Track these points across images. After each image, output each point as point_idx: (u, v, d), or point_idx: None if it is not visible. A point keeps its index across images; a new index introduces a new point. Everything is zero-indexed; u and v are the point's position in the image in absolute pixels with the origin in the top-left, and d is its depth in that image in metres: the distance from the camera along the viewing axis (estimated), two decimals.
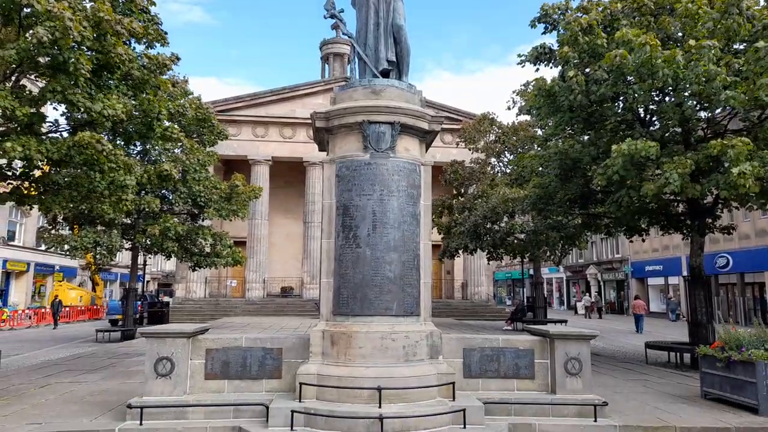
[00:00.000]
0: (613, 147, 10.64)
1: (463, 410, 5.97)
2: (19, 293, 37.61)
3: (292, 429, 5.82)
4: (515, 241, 23.67)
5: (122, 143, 13.56)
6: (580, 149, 12.67)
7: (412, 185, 6.84)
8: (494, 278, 49.52)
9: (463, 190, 26.47)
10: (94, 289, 43.11)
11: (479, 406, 6.18)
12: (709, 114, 12.71)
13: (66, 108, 11.53)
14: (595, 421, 6.44)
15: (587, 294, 46.11)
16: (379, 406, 5.87)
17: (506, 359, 7.00)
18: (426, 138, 7.19)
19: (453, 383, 6.35)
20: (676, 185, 10.01)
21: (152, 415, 6.20)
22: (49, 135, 11.79)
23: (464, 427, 5.94)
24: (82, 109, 11.47)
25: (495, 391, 6.87)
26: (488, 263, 34.19)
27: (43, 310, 33.36)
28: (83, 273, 43.28)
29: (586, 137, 13.73)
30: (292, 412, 5.86)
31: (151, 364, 6.47)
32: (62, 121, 13.00)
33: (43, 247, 20.47)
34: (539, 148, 14.68)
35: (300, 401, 6.15)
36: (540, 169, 14.52)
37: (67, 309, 35.17)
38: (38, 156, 10.06)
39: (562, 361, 6.81)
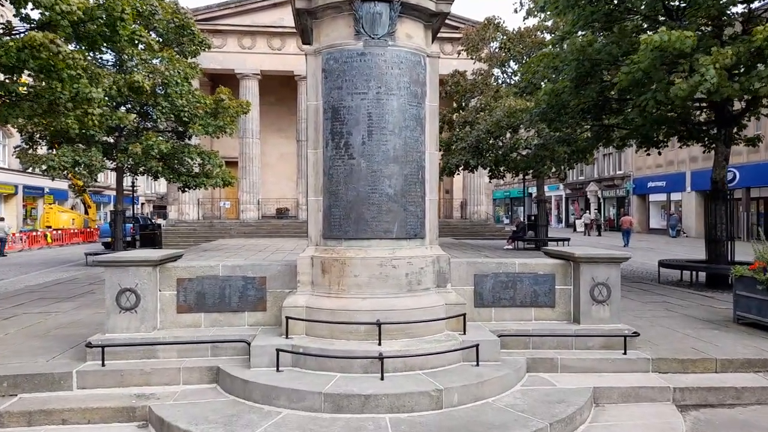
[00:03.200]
0: (642, 38, 9.25)
1: (476, 345, 5.14)
2: (9, 216, 36.80)
3: (278, 370, 5.00)
4: (519, 157, 22.51)
5: (86, 48, 12.03)
6: (599, 48, 11.21)
7: (416, 81, 5.62)
8: (492, 197, 48.79)
9: (464, 104, 24.91)
10: (86, 212, 42.37)
11: (494, 340, 5.35)
12: (747, 8, 11.20)
13: (12, 3, 10.00)
14: (625, 353, 5.66)
15: (587, 211, 45.58)
16: (379, 343, 5.03)
17: (523, 286, 6.12)
18: (432, 23, 5.86)
19: (464, 315, 5.49)
20: (713, 83, 8.78)
21: (116, 354, 5.37)
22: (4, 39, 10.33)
23: (477, 364, 5.13)
24: (30, 5, 9.94)
25: (510, 322, 6.05)
26: (489, 181, 33.24)
27: (35, 233, 32.77)
28: (76, 196, 42.22)
29: (602, 41, 12.23)
30: (278, 350, 5.02)
31: (112, 296, 5.56)
32: (17, 23, 11.49)
33: (30, 170, 19.31)
34: (555, 47, 13.12)
35: (287, 337, 5.30)
36: (553, 75, 13.10)
37: (59, 232, 34.65)
38: None
39: (588, 287, 5.93)
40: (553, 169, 22.73)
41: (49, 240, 33.11)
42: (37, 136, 18.78)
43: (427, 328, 5.31)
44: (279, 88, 33.36)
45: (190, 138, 20.91)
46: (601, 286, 5.91)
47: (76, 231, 36.91)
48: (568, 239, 24.21)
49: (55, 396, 5.00)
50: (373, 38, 5.40)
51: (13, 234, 30.75)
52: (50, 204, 39.75)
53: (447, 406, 4.53)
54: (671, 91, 9.54)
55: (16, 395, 5.01)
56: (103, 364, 5.25)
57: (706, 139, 13.40)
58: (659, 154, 16.10)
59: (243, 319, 5.91)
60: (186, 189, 21.37)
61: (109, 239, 23.40)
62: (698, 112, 13.60)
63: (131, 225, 27.33)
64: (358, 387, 4.58)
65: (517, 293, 6.11)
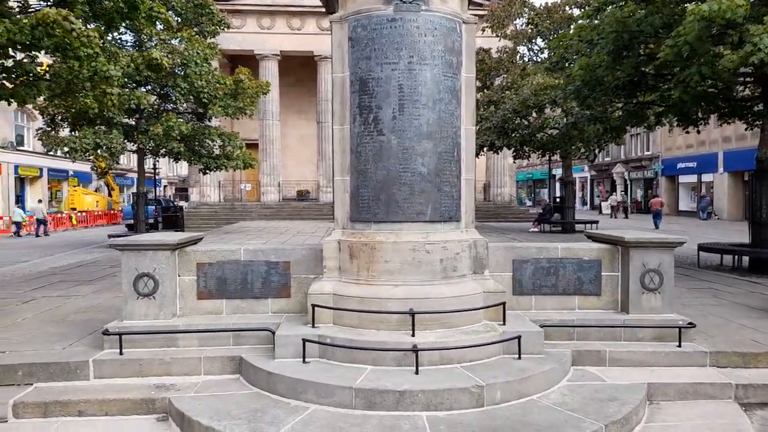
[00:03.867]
0: (689, 8, 8.60)
1: (518, 337, 4.73)
2: (34, 199, 37.29)
3: (304, 361, 4.67)
4: (546, 137, 21.78)
5: (104, 27, 11.74)
6: (640, 19, 10.52)
7: (451, 50, 5.14)
8: (515, 179, 47.88)
9: (489, 82, 24.14)
10: (110, 194, 42.76)
11: (537, 331, 4.93)
12: None
13: None
14: (679, 346, 5.20)
15: (613, 193, 44.46)
16: (413, 334, 4.66)
17: (566, 272, 5.67)
18: None
19: (503, 304, 5.07)
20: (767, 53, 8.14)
21: (135, 342, 5.10)
22: (17, 17, 10.08)
23: (519, 357, 4.73)
24: None
25: (552, 311, 5.62)
26: (513, 162, 32.47)
27: (60, 215, 33.19)
28: (101, 178, 42.54)
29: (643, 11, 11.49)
30: (304, 341, 4.68)
31: (129, 282, 5.26)
32: (34, 1, 11.24)
33: (58, 153, 19.41)
34: (590, 20, 12.41)
35: (313, 327, 4.96)
36: (588, 49, 12.41)
37: (84, 214, 35.05)
38: None
39: (638, 273, 5.45)
40: (582, 150, 22.01)
41: (74, 222, 33.50)
42: (59, 118, 18.76)
43: (464, 318, 4.92)
44: (298, 69, 32.88)
45: (210, 119, 20.72)
46: (653, 272, 5.43)
47: (100, 213, 37.30)
48: (596, 221, 23.51)
49: (72, 386, 4.75)
50: (404, 2, 4.94)
51: (48, 215, 31.12)
52: (74, 186, 40.16)
53: (489, 404, 4.15)
54: (720, 64, 8.89)
55: (32, 384, 4.77)
56: (120, 353, 4.98)
57: (749, 116, 12.63)
58: (698, 132, 15.27)
59: (266, 306, 5.58)
60: (207, 171, 21.23)
61: (132, 221, 23.48)
62: (741, 88, 12.82)
63: (154, 207, 27.46)
64: (392, 382, 4.22)
65: (559, 280, 5.66)
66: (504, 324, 5.03)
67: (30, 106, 27.67)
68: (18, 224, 26.56)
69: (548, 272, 5.66)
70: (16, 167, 34.36)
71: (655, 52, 10.71)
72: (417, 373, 4.37)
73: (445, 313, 4.81)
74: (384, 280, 4.93)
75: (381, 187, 5.00)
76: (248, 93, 19.28)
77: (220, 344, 5.18)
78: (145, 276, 5.27)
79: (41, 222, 26.52)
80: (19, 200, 35.28)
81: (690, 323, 5.32)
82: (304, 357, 4.68)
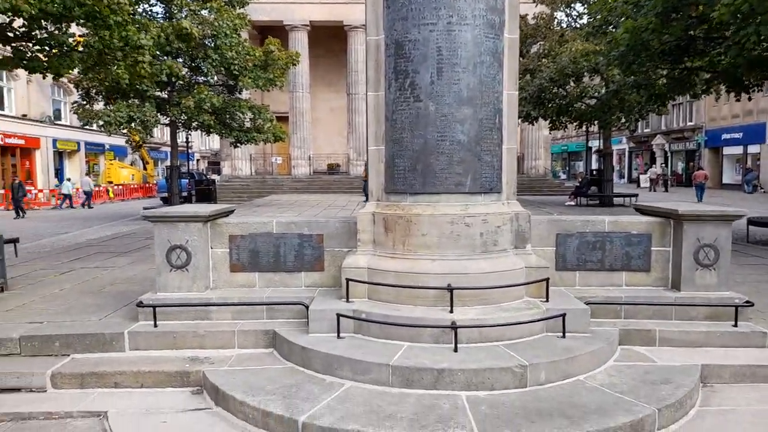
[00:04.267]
0: None
1: (563, 315, 4.49)
2: (73, 172, 38.28)
3: (338, 336, 4.54)
4: (584, 107, 21.00)
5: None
6: None
7: (493, 9, 4.80)
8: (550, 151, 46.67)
9: (525, 50, 23.30)
10: (145, 168, 43.57)
11: (583, 308, 4.68)
12: None
13: None
14: (735, 325, 4.88)
15: (653, 166, 42.95)
16: (451, 311, 4.47)
17: (613, 247, 5.36)
18: None
19: (546, 280, 4.82)
20: None
21: (168, 315, 5.06)
22: None
23: (563, 336, 4.50)
24: None
25: (597, 288, 5.34)
26: (549, 133, 31.61)
27: (97, 188, 34.01)
28: (135, 152, 43.31)
29: None
30: (338, 315, 4.54)
31: (162, 254, 5.20)
32: None
33: (93, 126, 19.82)
34: None
35: (347, 301, 4.82)
36: (633, 11, 11.70)
37: (120, 187, 35.85)
38: (26, 7, 8.39)
39: (692, 248, 5.10)
40: (623, 120, 21.15)
41: (111, 195, 34.31)
42: (93, 92, 19.01)
43: (505, 294, 4.69)
44: (328, 41, 32.40)
45: (240, 92, 20.69)
46: (708, 248, 5.08)
47: (135, 186, 38.09)
48: (635, 195, 22.74)
49: (107, 357, 4.75)
50: None
51: (76, 189, 32.00)
52: (111, 160, 41.02)
53: (532, 384, 3.95)
54: None
55: (69, 355, 4.79)
56: (155, 325, 4.95)
57: None
58: (749, 99, 14.42)
59: (299, 279, 5.46)
60: (238, 144, 21.30)
61: (166, 194, 23.83)
62: None
63: (187, 180, 27.81)
64: (430, 359, 4.05)
65: (606, 255, 5.36)
66: (547, 301, 4.79)
67: (65, 80, 28.22)
68: (68, 197, 27.92)
69: (594, 247, 5.36)
70: (55, 141, 35.20)
71: (706, 13, 10.01)
72: (456, 351, 4.19)
73: (485, 289, 4.60)
74: (421, 255, 4.73)
75: (417, 157, 4.76)
76: (278, 64, 19.09)
77: (254, 318, 5.10)
78: (177, 248, 5.20)
79: (88, 194, 28.01)
80: (59, 174, 36.26)
81: (747, 302, 4.98)
82: (338, 332, 4.55)
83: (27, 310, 5.63)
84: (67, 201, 27.92)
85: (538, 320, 4.49)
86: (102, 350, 4.82)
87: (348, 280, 4.82)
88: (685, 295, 5.10)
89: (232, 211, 5.81)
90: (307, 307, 4.84)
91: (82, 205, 27.42)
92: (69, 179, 30.48)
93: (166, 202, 22.77)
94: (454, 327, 4.22)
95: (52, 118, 34.66)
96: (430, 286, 4.58)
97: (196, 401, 4.22)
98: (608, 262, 5.37)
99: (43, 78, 13.46)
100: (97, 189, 33.43)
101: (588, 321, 4.64)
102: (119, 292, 6.41)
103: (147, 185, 39.17)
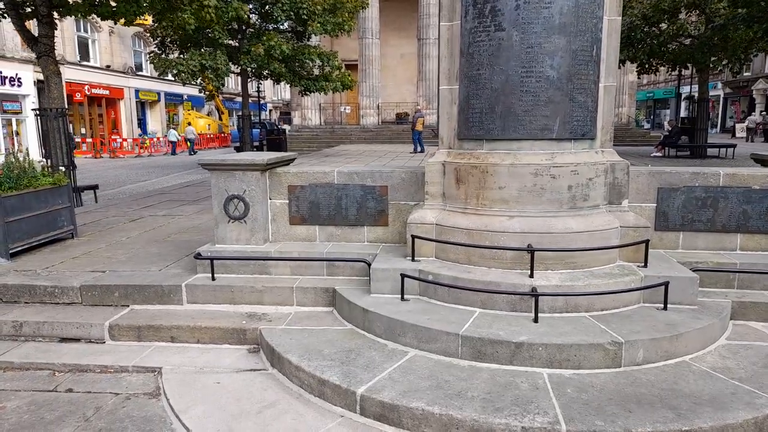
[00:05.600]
0: None
1: (666, 284, 3.82)
2: (154, 122, 39.90)
3: (402, 298, 4.13)
4: (680, 47, 18.84)
5: None
6: None
7: None
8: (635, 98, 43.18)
9: None
10: (220, 118, 44.63)
11: (690, 277, 3.96)
12: None
13: None
14: None
15: (752, 113, 38.80)
16: (531, 275, 3.91)
17: (728, 204, 4.53)
18: None
19: (646, 242, 4.12)
20: None
21: (227, 267, 4.84)
22: None
23: (664, 308, 3.85)
24: None
25: (704, 252, 4.58)
26: (638, 77, 29.07)
27: (177, 138, 35.28)
28: (211, 102, 44.40)
29: None
30: (403, 276, 4.11)
31: (220, 204, 4.95)
32: None
33: (164, 75, 20.28)
34: None
35: (413, 260, 4.37)
36: None
37: (198, 136, 36.97)
38: None
39: None
40: (725, 61, 18.86)
41: (189, 145, 35.43)
42: (168, 41, 19.27)
43: (595, 257, 4.06)
44: None
45: (309, 38, 20.25)
46: None
47: (212, 136, 39.13)
48: (734, 145, 20.54)
49: (165, 310, 4.61)
50: None
51: (157, 138, 33.37)
52: (188, 110, 42.26)
53: (628, 365, 3.37)
54: None
55: (128, 306, 4.70)
56: (213, 278, 4.75)
57: None
58: None
59: (362, 234, 5.06)
60: (307, 93, 21.07)
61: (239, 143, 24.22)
62: None
63: (259, 130, 28.13)
64: (505, 330, 3.55)
65: (717, 214, 4.55)
66: (645, 266, 4.11)
67: (142, 30, 28.85)
68: (174, 144, 31.75)
69: (704, 203, 4.56)
70: (137, 91, 36.56)
71: None
72: (536, 321, 3.66)
73: (572, 251, 3.99)
74: (497, 210, 4.15)
75: (497, 97, 4.11)
76: (347, 7, 18.40)
77: (313, 274, 4.78)
78: (235, 198, 4.91)
79: (191, 142, 32.05)
80: (141, 124, 37.85)
81: None
82: (402, 294, 4.13)
83: (92, 258, 5.63)
84: (169, 146, 31.46)
85: (636, 289, 3.84)
86: (160, 302, 4.69)
87: (414, 237, 4.35)
88: None
89: (292, 160, 5.44)
90: (369, 265, 4.44)
91: (188, 152, 31.26)
92: (174, 128, 34.35)
93: (239, 151, 23.14)
94: (534, 294, 3.68)
95: (134, 69, 35.86)
96: (508, 247, 4.02)
97: (252, 361, 3.99)
98: (720, 221, 4.56)
99: (114, 23, 13.59)
100: (176, 139, 34.68)
101: (696, 291, 3.93)
102: (184, 241, 6.31)
103: (222, 135, 40.16)
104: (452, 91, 4.44)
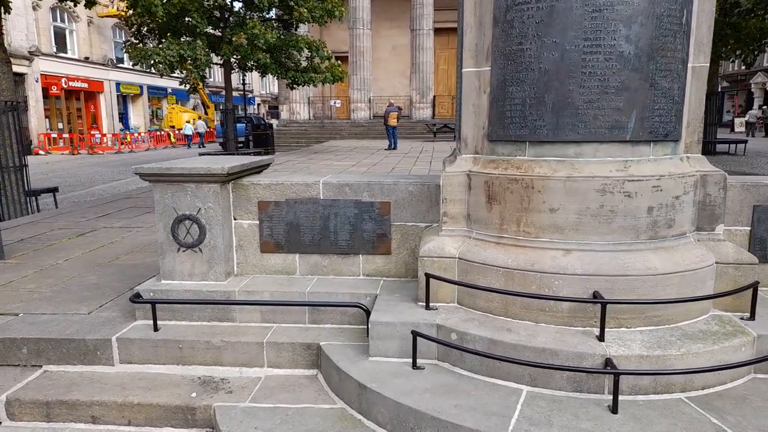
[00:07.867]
0: None
1: None
2: (137, 116, 38.38)
3: (414, 366, 2.93)
4: None
5: None
6: None
7: None
8: None
9: None
10: (205, 112, 43.09)
11: None
12: None
13: None
14: None
15: (752, 107, 38.00)
16: (600, 337, 2.73)
17: None
18: None
19: (755, 286, 2.95)
20: None
21: (175, 313, 3.62)
22: None
23: None
24: None
25: None
26: None
27: (160, 133, 33.87)
28: (195, 96, 42.95)
29: None
30: (415, 334, 2.91)
31: (166, 227, 3.72)
32: None
33: (152, 70, 19.07)
34: None
35: (427, 308, 3.18)
36: None
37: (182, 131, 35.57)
38: None
39: None
40: (738, 52, 17.87)
41: (173, 140, 34.06)
42: (145, 29, 17.99)
43: (687, 308, 2.89)
44: None
45: (296, 28, 18.96)
46: None
47: (196, 131, 37.64)
48: (745, 141, 19.63)
49: (89, 374, 3.39)
50: None
51: (139, 134, 31.98)
52: (172, 105, 40.72)
53: None
54: None
55: (41, 366, 3.48)
56: (155, 328, 3.53)
57: None
58: None
59: (356, 265, 3.85)
60: (294, 86, 19.82)
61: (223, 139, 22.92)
62: None
63: (245, 125, 26.80)
64: (573, 429, 2.37)
65: None
66: (752, 318, 2.95)
67: (120, 20, 27.33)
68: (189, 137, 32.90)
69: None
70: (118, 84, 35.01)
71: None
72: (615, 411, 2.48)
73: (655, 303, 2.81)
74: (548, 241, 2.96)
75: (547, 82, 2.91)
76: None
77: (292, 321, 3.57)
78: (186, 219, 3.68)
79: (201, 135, 33.06)
80: (123, 118, 36.30)
81: None
82: (414, 360, 2.93)
83: (11, 292, 4.37)
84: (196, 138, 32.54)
85: (755, 361, 2.67)
86: (83, 362, 3.46)
87: (428, 276, 3.15)
88: None
89: (265, 167, 4.21)
90: (367, 312, 3.25)
91: (199, 145, 32.22)
92: (189, 122, 35.16)
93: (224, 148, 21.89)
94: (614, 372, 2.49)
95: (115, 61, 34.31)
96: (564, 297, 2.83)
97: None
98: None
99: (74, 5, 12.26)
100: (159, 134, 33.28)
101: None
102: (131, 266, 5.07)
103: (208, 130, 38.71)
104: (480, 75, 3.22)
